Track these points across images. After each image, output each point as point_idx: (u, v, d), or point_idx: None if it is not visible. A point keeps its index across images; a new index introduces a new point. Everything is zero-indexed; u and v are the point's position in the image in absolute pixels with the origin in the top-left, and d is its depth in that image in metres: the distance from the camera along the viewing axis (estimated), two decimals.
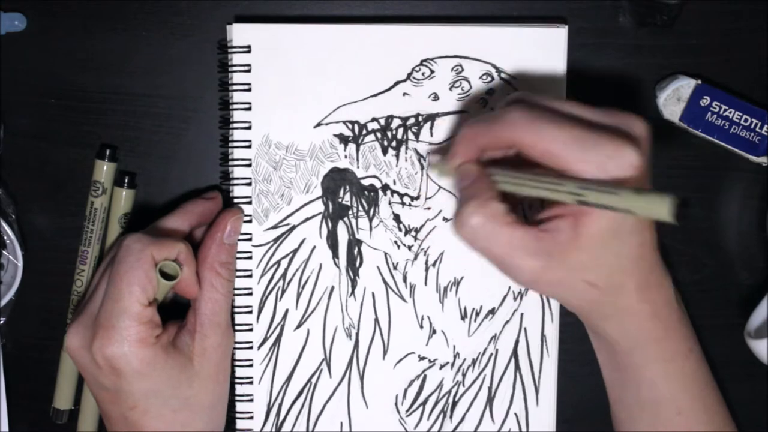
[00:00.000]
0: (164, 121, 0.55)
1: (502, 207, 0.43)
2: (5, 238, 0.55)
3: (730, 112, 0.54)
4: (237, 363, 0.54)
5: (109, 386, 0.48)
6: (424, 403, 0.55)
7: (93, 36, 0.55)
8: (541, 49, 0.53)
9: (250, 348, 0.54)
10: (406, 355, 0.55)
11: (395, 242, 0.54)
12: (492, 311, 0.55)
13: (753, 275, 0.57)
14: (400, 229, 0.54)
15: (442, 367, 0.55)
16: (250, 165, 0.53)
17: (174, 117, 0.55)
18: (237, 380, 0.54)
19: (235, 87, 0.53)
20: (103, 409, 0.50)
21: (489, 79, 0.53)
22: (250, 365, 0.54)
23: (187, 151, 0.56)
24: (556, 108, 0.44)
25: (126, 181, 0.54)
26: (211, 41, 0.55)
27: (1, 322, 0.56)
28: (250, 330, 0.54)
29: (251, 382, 0.55)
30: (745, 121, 0.54)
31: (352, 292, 0.54)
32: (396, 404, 0.55)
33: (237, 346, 0.54)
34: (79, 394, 0.56)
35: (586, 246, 0.43)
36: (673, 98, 0.54)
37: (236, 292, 0.54)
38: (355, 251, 0.54)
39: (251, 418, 0.55)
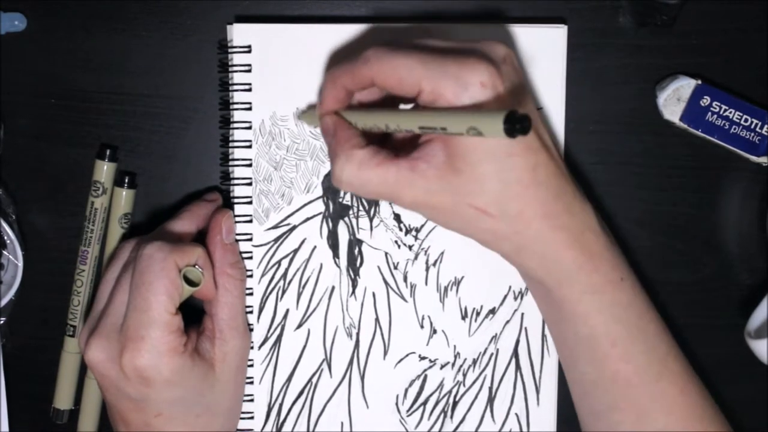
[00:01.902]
0: (164, 121, 0.55)
1: (366, 152, 0.44)
2: (5, 238, 0.55)
3: (730, 112, 0.54)
4: None
5: (135, 396, 0.48)
6: (424, 403, 0.55)
7: (93, 36, 0.55)
8: (541, 49, 0.53)
9: (251, 348, 0.54)
10: (407, 355, 0.55)
11: (396, 242, 0.54)
12: (492, 311, 0.55)
13: (753, 275, 0.57)
14: (400, 229, 0.54)
15: (442, 367, 0.55)
16: (250, 165, 0.53)
17: (174, 117, 0.55)
18: None
19: (235, 87, 0.53)
20: (123, 416, 0.49)
21: None
22: (251, 365, 0.54)
23: (187, 151, 0.56)
24: (413, 43, 0.44)
25: (126, 181, 0.54)
26: (211, 41, 0.55)
27: (1, 322, 0.56)
28: (251, 330, 0.54)
29: (252, 382, 0.54)
30: (745, 121, 0.54)
31: (353, 292, 0.54)
32: (396, 404, 0.55)
33: None
34: (79, 394, 0.56)
35: (462, 167, 0.42)
36: (673, 98, 0.54)
37: None
38: (356, 251, 0.54)
39: (252, 418, 0.55)
